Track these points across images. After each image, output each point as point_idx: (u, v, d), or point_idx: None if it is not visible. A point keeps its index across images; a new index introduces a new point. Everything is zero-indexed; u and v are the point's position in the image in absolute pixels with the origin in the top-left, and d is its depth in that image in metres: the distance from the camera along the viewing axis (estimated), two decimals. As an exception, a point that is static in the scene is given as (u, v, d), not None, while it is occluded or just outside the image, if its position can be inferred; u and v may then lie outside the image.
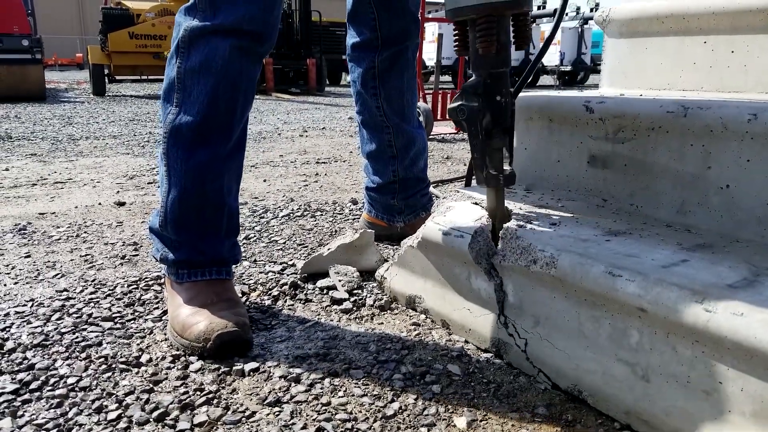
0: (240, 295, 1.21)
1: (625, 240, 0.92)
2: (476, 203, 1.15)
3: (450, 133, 4.18)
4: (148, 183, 2.38)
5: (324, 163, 2.94)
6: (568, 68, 13.41)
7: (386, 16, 1.37)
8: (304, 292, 1.25)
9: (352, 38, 1.44)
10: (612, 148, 1.11)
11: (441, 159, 3.10)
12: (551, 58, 13.06)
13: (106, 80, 8.45)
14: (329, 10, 12.11)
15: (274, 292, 1.23)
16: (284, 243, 1.58)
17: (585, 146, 1.16)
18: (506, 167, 0.96)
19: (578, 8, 13.66)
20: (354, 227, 1.73)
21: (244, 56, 1.03)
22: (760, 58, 1.19)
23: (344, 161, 3.00)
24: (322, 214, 1.89)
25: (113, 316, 1.12)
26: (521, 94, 1.32)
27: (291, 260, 1.43)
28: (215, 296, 1.05)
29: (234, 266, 1.21)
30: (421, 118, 3.56)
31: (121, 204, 2.00)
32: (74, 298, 1.20)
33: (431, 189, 2.16)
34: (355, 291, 1.24)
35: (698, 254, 0.85)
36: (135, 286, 1.27)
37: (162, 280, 1.28)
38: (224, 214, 1.09)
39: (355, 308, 1.17)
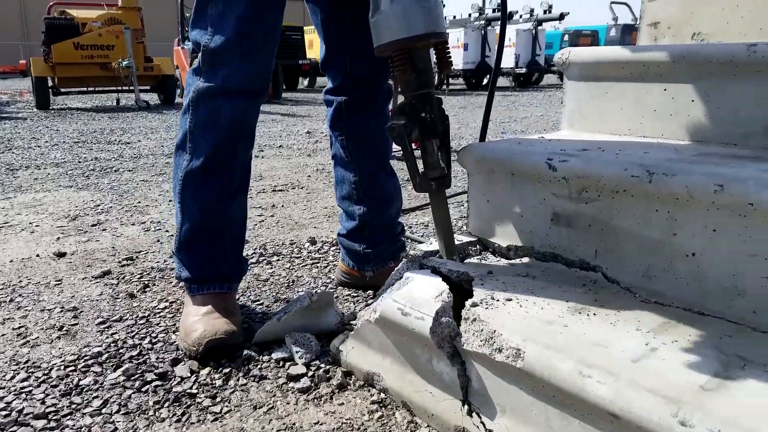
0: (190, 373, 1.13)
1: (591, 320, 0.88)
2: (436, 268, 1.09)
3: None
4: (92, 225, 2.23)
5: (281, 191, 2.84)
6: (524, 70, 13.56)
7: (356, 62, 1.39)
8: (258, 366, 1.16)
9: (328, 83, 1.48)
10: (576, 207, 1.07)
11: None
12: (506, 61, 13.16)
13: (51, 93, 8.01)
14: (285, 15, 11.88)
15: (226, 369, 1.15)
16: (237, 299, 1.49)
17: (548, 203, 1.12)
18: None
19: (532, 10, 13.84)
20: (312, 281, 1.65)
21: (243, 110, 1.21)
22: (720, 108, 1.17)
23: (302, 188, 2.91)
24: (278, 259, 1.81)
25: (47, 411, 1.02)
26: (481, 144, 1.28)
27: (245, 323, 1.35)
28: (215, 306, 1.25)
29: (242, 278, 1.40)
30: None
31: (61, 255, 1.86)
32: (4, 388, 1.09)
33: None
34: (313, 363, 1.16)
35: (668, 339, 0.81)
36: (72, 367, 1.16)
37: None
38: (227, 240, 1.30)
39: (313, 386, 1.09)
